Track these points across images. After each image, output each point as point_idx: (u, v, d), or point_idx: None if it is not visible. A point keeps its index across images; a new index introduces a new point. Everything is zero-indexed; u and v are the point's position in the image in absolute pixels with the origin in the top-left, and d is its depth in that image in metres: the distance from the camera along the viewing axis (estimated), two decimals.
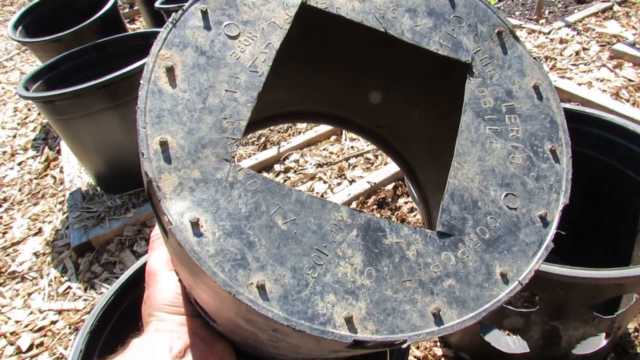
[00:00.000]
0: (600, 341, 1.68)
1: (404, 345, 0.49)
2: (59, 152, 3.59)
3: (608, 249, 1.89)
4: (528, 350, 1.62)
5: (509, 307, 1.50)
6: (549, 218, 0.60)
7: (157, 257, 0.81)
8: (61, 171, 3.37)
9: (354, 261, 0.52)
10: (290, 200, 0.54)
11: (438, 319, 0.52)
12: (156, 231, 0.85)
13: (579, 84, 3.22)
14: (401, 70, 0.97)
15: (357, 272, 0.52)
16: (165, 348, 0.69)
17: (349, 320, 0.49)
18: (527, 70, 0.69)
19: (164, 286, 0.77)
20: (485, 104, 0.66)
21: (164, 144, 0.52)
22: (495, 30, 0.70)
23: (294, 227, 0.53)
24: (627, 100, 3.04)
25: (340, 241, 0.53)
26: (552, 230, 0.60)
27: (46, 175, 3.42)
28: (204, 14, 0.61)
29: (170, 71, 0.56)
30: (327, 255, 0.52)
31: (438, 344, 1.99)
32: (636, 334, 1.92)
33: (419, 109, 1.03)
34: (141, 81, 0.55)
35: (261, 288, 0.48)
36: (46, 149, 3.69)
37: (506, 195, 0.61)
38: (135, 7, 5.85)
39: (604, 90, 3.15)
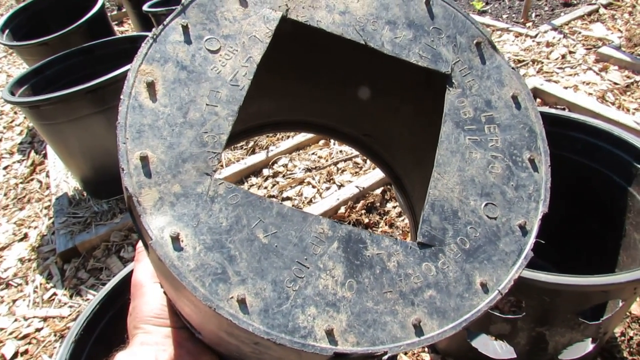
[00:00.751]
0: (586, 346, 1.70)
1: (385, 357, 0.49)
2: (45, 156, 3.56)
3: (594, 253, 1.91)
4: (515, 356, 1.63)
5: (495, 313, 1.51)
6: (528, 227, 0.61)
7: (143, 269, 0.81)
8: (47, 176, 3.35)
9: (335, 273, 0.53)
10: (272, 213, 0.54)
11: (419, 330, 0.52)
12: None
13: (565, 87, 3.25)
14: (385, 79, 0.97)
15: (338, 284, 0.52)
16: None
17: (329, 333, 0.49)
18: (506, 80, 0.70)
19: (149, 298, 0.77)
20: (465, 115, 0.66)
21: (144, 159, 0.52)
22: (474, 41, 0.71)
23: (275, 240, 0.53)
24: (613, 104, 3.08)
25: (321, 253, 0.53)
26: (532, 239, 0.60)
27: (32, 180, 3.39)
28: (185, 28, 0.61)
29: (150, 86, 0.56)
30: (308, 267, 0.52)
31: (426, 349, 2.00)
32: (623, 338, 1.93)
33: (404, 117, 1.03)
34: (121, 96, 0.55)
35: (242, 302, 0.48)
36: (32, 153, 3.66)
37: (486, 205, 0.61)
38: (123, 10, 5.82)
39: (590, 94, 3.18)
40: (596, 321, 1.49)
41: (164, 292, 0.77)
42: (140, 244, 0.85)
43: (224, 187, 0.54)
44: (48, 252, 2.75)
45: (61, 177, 3.20)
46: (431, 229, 0.58)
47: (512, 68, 0.71)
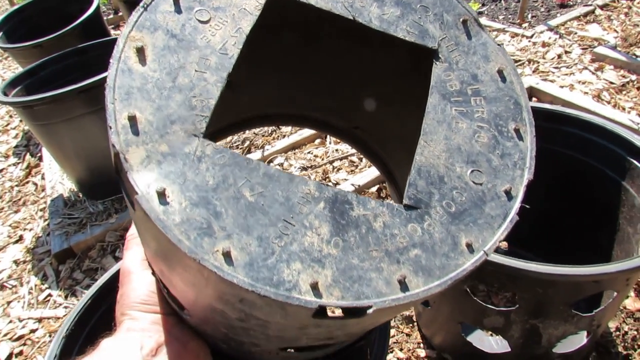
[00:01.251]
0: (581, 339, 1.69)
1: (370, 311, 0.50)
2: (40, 158, 3.56)
3: (588, 247, 1.91)
4: (509, 349, 1.62)
5: (489, 306, 1.51)
6: (513, 192, 0.61)
7: (132, 256, 0.81)
8: (43, 178, 3.34)
9: (321, 231, 0.53)
10: (258, 173, 0.55)
11: (404, 286, 0.52)
12: (132, 230, 0.85)
13: (561, 87, 3.27)
14: (375, 68, 0.99)
15: (324, 241, 0.53)
16: (136, 347, 0.68)
17: (314, 287, 0.49)
18: (492, 56, 0.71)
19: (137, 284, 0.77)
20: (451, 87, 0.68)
21: (132, 119, 0.53)
22: (461, 19, 0.73)
23: (261, 199, 0.53)
24: (608, 102, 3.10)
25: (307, 213, 0.54)
26: (517, 204, 0.61)
27: (27, 182, 3.39)
28: None
29: (140, 51, 0.57)
30: (294, 225, 0.53)
31: (421, 345, 2.00)
32: (617, 333, 1.94)
33: (394, 107, 1.04)
34: (110, 60, 0.56)
35: (227, 255, 0.48)
36: (28, 156, 3.65)
37: (472, 171, 0.62)
38: (120, 14, 5.84)
39: (586, 93, 3.20)
40: (589, 313, 1.49)
41: (152, 273, 0.77)
42: (130, 232, 0.86)
43: (211, 148, 0.55)
44: (43, 254, 2.74)
45: (57, 179, 3.19)
46: (417, 192, 0.59)
47: (498, 45, 0.72)
